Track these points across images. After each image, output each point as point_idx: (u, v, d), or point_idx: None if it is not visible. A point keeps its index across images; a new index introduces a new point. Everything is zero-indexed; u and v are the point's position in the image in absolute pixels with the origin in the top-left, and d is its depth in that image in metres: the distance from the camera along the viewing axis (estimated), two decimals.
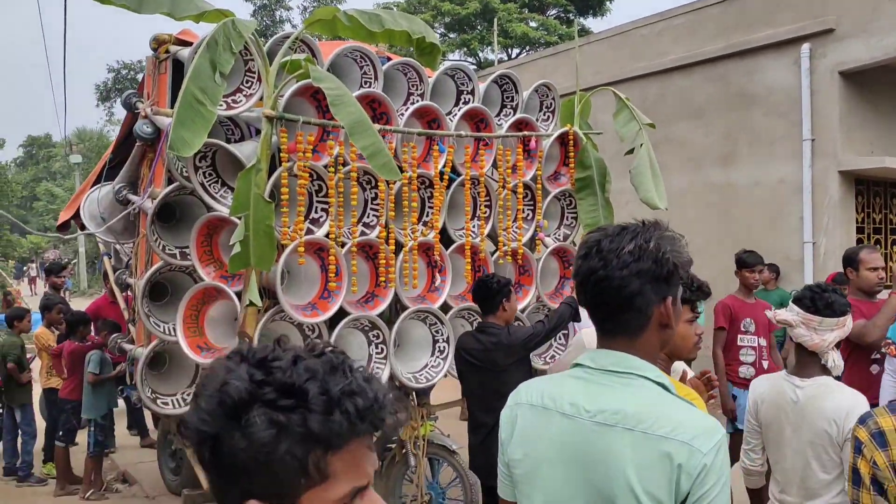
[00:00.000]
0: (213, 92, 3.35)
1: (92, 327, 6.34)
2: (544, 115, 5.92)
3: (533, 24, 27.50)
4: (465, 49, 29.57)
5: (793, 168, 8.33)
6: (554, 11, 29.52)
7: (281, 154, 4.08)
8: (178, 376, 4.82)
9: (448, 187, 4.93)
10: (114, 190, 5.13)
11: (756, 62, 8.73)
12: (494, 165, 5.18)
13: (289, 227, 4.10)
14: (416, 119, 4.89)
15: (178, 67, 4.40)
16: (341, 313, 4.47)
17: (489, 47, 28.06)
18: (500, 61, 21.24)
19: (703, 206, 9.32)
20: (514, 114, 5.61)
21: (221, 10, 3.79)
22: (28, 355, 6.81)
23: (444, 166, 4.84)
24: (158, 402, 4.57)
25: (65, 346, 6.12)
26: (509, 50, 27.76)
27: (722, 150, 9.13)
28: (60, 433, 6.11)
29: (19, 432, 6.44)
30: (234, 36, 3.56)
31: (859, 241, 8.15)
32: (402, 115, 4.75)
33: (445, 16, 29.18)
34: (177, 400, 4.65)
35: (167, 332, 4.46)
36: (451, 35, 29.90)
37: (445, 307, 4.98)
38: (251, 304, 3.83)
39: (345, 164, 4.37)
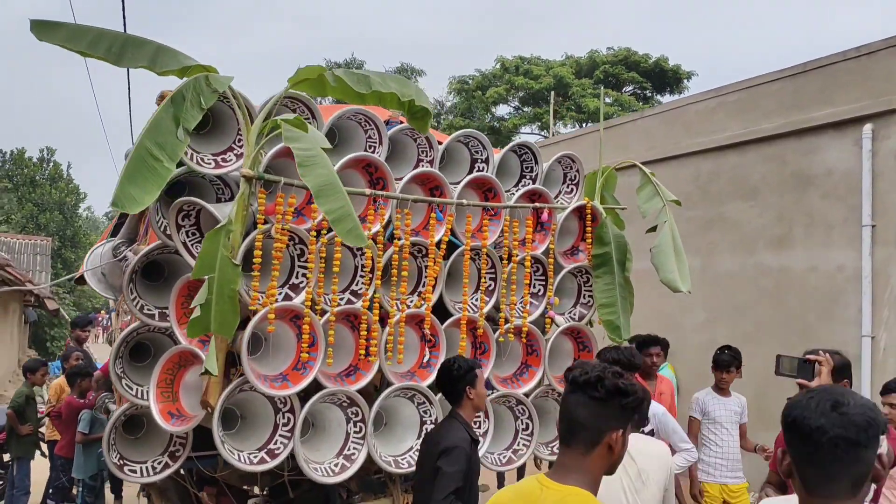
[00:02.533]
0: (172, 148, 3.21)
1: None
2: (568, 187, 5.63)
3: (608, 99, 27.41)
4: (538, 123, 29.67)
5: (851, 255, 7.73)
6: (630, 88, 29.40)
7: (257, 216, 3.89)
8: (153, 443, 4.60)
9: (447, 257, 4.66)
10: (113, 246, 5.05)
11: (814, 142, 8.25)
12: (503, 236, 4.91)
13: (259, 293, 3.88)
14: (418, 185, 4.67)
15: None
16: (321, 387, 4.21)
17: (561, 121, 28.07)
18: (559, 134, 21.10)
19: (754, 290, 8.74)
20: (534, 184, 5.35)
21: (205, 66, 3.68)
22: (41, 408, 6.74)
23: (442, 235, 4.59)
24: (126, 468, 4.34)
25: (65, 400, 6.01)
26: (584, 124, 27.65)
27: (776, 232, 8.59)
28: (50, 491, 5.95)
29: None
30: (205, 91, 3.43)
31: None
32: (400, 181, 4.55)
33: (519, 90, 29.46)
34: (146, 468, 4.41)
35: (139, 395, 4.26)
36: (526, 109, 30.10)
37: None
38: (206, 372, 3.59)
39: (331, 228, 4.16)
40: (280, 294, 4.10)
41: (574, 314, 5.33)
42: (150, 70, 3.58)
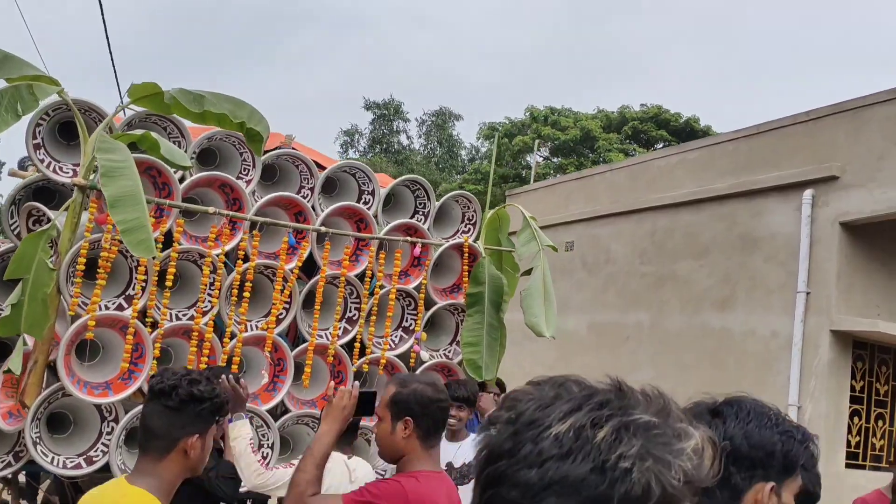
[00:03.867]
0: None
1: None
2: (465, 226, 5.65)
3: (635, 155, 27.44)
4: (563, 173, 29.77)
5: (786, 321, 7.59)
6: (660, 145, 29.38)
7: (87, 225, 3.99)
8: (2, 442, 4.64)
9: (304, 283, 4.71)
10: None
11: (761, 204, 8.17)
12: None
13: (79, 299, 3.95)
14: (283, 210, 4.75)
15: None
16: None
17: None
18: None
19: (698, 350, 8.61)
20: (426, 220, 5.39)
21: (47, 76, 3.83)
22: None
23: (296, 262, 4.64)
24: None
25: None
26: None
27: (721, 293, 8.48)
28: None
29: None
30: (26, 100, 3.56)
31: (855, 411, 7.23)
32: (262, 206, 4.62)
33: (546, 139, 29.64)
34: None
35: None
36: (554, 159, 30.24)
37: (284, 410, 4.67)
38: (9, 371, 3.66)
39: (168, 244, 4.25)
40: (113, 304, 4.18)
41: (449, 352, 5.31)
42: None
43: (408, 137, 41.63)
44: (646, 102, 30.69)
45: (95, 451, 4.14)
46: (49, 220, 4.17)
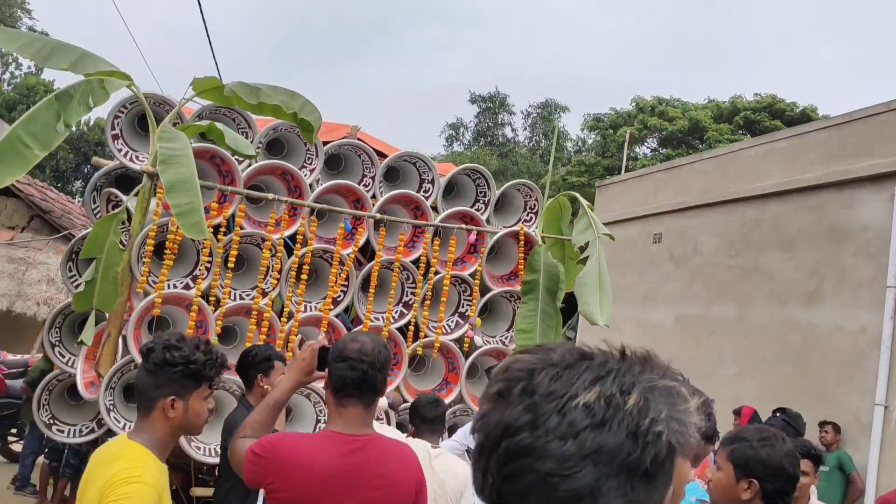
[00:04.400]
0: (47, 138, 3.67)
1: None
2: (527, 215, 5.72)
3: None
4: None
5: (875, 317, 7.23)
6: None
7: (155, 209, 4.31)
8: (87, 410, 5.07)
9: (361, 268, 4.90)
10: None
11: (852, 195, 7.79)
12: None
13: (147, 278, 4.28)
14: (342, 197, 4.95)
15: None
16: None
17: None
18: None
19: (782, 346, 8.31)
20: (486, 209, 5.50)
21: (120, 72, 4.15)
22: None
23: (353, 247, 4.84)
24: (54, 427, 4.82)
25: None
26: None
27: (808, 287, 8.14)
28: (46, 450, 6.63)
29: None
30: (97, 93, 3.88)
31: None
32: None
33: (652, 130, 29.04)
34: (75, 430, 4.88)
35: (70, 364, 4.74)
36: (661, 150, 29.58)
37: None
38: (81, 342, 4.02)
39: (229, 228, 4.52)
40: (181, 283, 4.49)
41: (505, 338, 5.40)
42: (71, 71, 4.09)
43: (513, 130, 41.52)
44: (759, 92, 29.51)
45: None
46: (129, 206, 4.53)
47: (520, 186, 5.70)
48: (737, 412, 6.94)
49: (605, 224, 5.54)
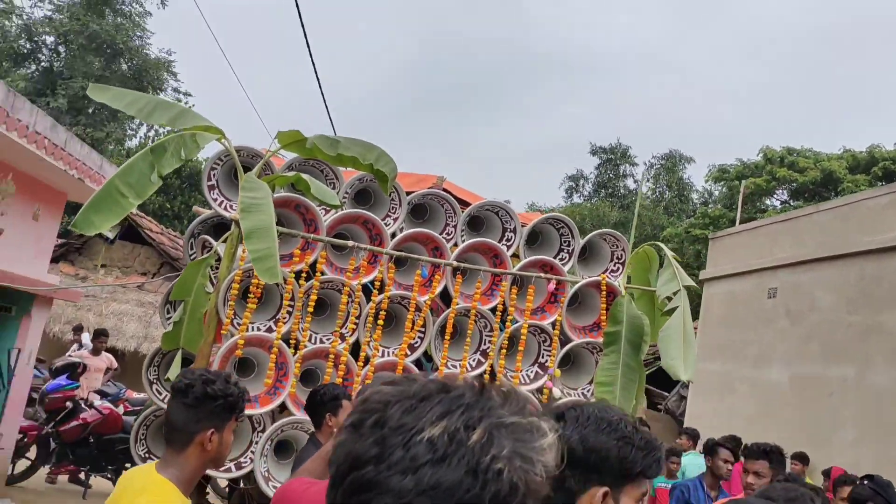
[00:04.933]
0: (142, 188, 3.98)
1: None
2: (614, 265, 5.64)
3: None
4: None
5: None
6: None
7: (241, 255, 4.55)
8: None
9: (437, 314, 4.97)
10: None
11: None
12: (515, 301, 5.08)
13: (232, 320, 4.50)
14: (421, 245, 5.06)
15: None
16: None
17: None
18: None
19: None
20: (570, 258, 5.48)
21: (213, 127, 4.47)
22: None
23: (430, 294, 4.91)
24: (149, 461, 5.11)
25: None
26: None
27: None
28: None
29: None
30: (189, 146, 4.19)
31: None
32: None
33: (781, 182, 27.97)
34: None
35: (165, 400, 5.03)
36: (792, 203, 28.41)
37: None
38: (168, 379, 4.26)
39: (311, 274, 4.70)
40: (264, 326, 4.70)
41: (587, 391, 5.29)
42: (170, 126, 4.44)
43: (635, 181, 40.98)
44: None
45: (245, 457, 4.64)
46: (218, 251, 4.81)
47: (606, 236, 5.64)
48: (826, 473, 6.48)
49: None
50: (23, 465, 7.86)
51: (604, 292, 5.19)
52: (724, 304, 11.35)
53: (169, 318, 5.03)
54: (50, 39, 25.26)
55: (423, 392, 0.82)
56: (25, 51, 24.78)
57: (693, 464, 7.25)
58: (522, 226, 5.47)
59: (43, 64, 25.19)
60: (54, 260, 13.56)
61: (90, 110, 23.88)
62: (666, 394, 13.87)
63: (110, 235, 12.40)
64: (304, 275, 4.70)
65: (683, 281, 5.08)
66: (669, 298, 5.04)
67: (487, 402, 0.81)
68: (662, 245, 5.34)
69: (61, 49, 25.36)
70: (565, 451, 1.08)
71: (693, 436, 8.35)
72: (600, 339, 5.22)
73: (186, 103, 26.37)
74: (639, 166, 41.07)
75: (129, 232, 14.16)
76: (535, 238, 5.61)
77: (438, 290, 4.99)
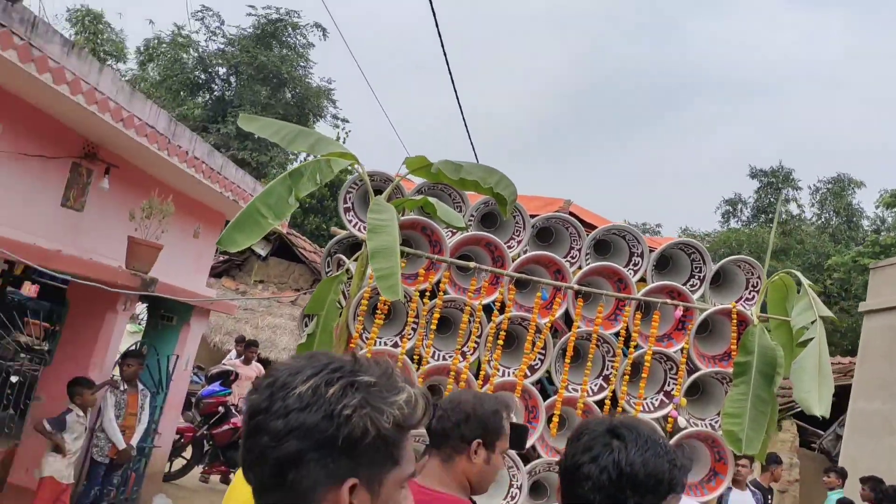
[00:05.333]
0: (280, 209, 4.30)
1: None
2: (749, 293, 5.46)
3: None
4: None
5: None
6: None
7: (371, 273, 4.77)
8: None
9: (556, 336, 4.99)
10: None
11: None
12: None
13: (361, 335, 4.73)
14: (543, 268, 5.12)
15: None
16: None
17: None
18: None
19: None
20: (701, 285, 5.37)
21: (348, 153, 4.76)
22: None
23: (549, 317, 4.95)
24: None
25: None
26: None
27: None
28: None
29: None
30: (324, 170, 4.49)
31: None
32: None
33: None
34: None
35: None
36: None
37: (536, 455, 4.94)
38: None
39: (435, 293, 4.86)
40: (391, 341, 4.90)
41: (715, 422, 5.13)
42: (309, 152, 4.78)
43: (798, 206, 38.96)
44: None
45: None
46: (350, 269, 5.08)
47: (740, 262, 5.45)
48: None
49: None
50: (179, 463, 8.54)
51: (734, 320, 5.03)
52: (887, 339, 10.56)
53: (305, 331, 5.36)
54: (222, 70, 27.36)
55: (309, 362, 1.08)
56: (200, 81, 26.97)
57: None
58: (651, 251, 5.41)
59: (215, 93, 27.31)
60: (217, 275, 14.66)
61: (255, 136, 25.62)
62: (822, 432, 13.03)
63: (262, 253, 13.25)
64: (427, 293, 4.87)
65: (820, 311, 4.84)
66: (806, 329, 4.82)
67: (352, 367, 1.07)
68: (798, 273, 5.10)
69: (232, 79, 27.42)
70: (628, 473, 1.22)
71: (842, 474, 7.98)
72: (731, 370, 5.05)
73: (343, 129, 27.78)
74: (802, 190, 38.99)
75: (285, 250, 15.07)
76: (665, 263, 5.52)
77: (559, 313, 5.01)
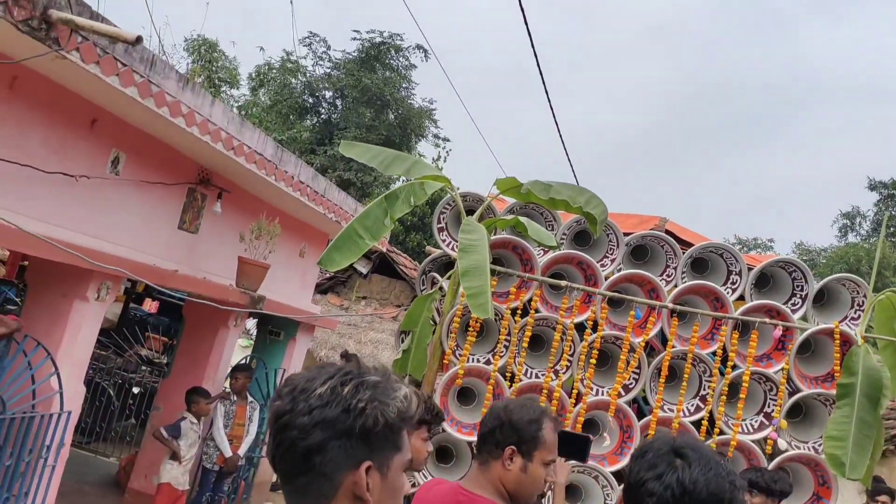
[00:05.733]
0: (376, 230, 4.49)
1: None
2: (855, 312, 5.30)
3: None
4: None
5: None
6: None
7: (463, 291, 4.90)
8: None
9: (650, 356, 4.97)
10: None
11: None
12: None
13: (455, 353, 4.86)
14: (637, 286, 5.11)
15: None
16: None
17: None
18: None
19: None
20: (803, 304, 5.25)
21: (441, 176, 4.92)
22: None
23: (643, 336, 4.93)
24: None
25: None
26: None
27: None
28: None
29: None
30: (417, 193, 4.66)
31: None
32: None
33: None
34: None
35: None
36: None
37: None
38: None
39: (527, 311, 4.94)
40: (483, 358, 5.01)
41: (818, 444, 4.97)
42: (405, 176, 4.97)
43: None
44: None
45: None
46: (443, 287, 5.23)
47: (845, 281, 5.28)
48: None
49: None
50: None
51: (837, 340, 4.87)
52: None
53: (401, 347, 5.54)
54: (329, 94, 28.28)
55: (320, 371, 1.30)
56: (308, 105, 27.95)
57: None
58: (749, 269, 5.32)
59: (322, 116, 28.24)
60: (322, 292, 15.13)
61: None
62: None
63: (363, 271, 13.61)
64: (519, 311, 4.96)
65: None
66: None
67: (359, 371, 1.28)
68: None
69: (338, 102, 28.29)
70: (691, 491, 1.31)
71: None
72: (834, 391, 4.89)
73: (444, 148, 28.17)
74: None
75: (387, 267, 15.41)
76: (765, 282, 5.41)
77: (654, 332, 4.99)
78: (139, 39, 3.87)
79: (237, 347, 9.62)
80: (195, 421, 6.77)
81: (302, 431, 1.21)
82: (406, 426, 1.28)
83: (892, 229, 36.45)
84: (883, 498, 5.93)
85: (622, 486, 2.08)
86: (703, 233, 6.18)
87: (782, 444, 4.87)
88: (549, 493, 4.10)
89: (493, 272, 4.67)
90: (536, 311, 4.94)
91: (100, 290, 5.25)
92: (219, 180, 6.29)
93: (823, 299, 5.39)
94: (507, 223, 5.01)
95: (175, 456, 6.67)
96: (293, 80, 27.96)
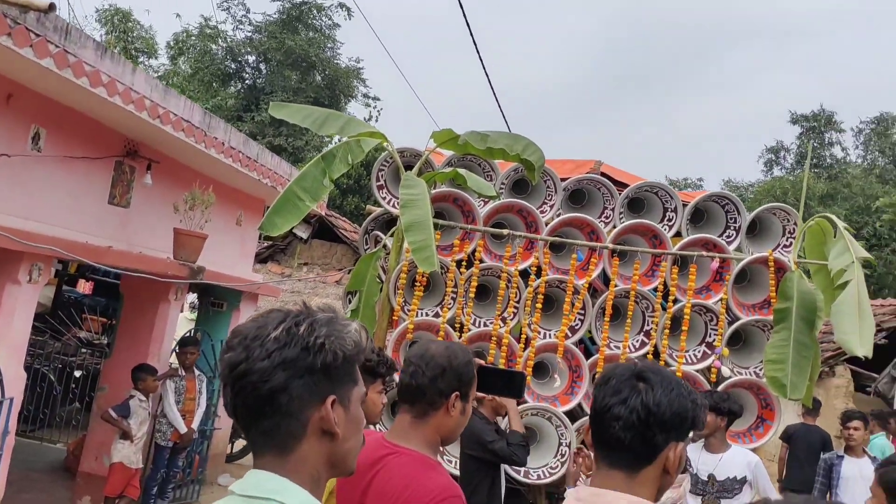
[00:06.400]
0: (315, 191, 4.43)
1: None
2: (787, 240, 5.47)
3: None
4: None
5: None
6: None
7: (407, 247, 4.90)
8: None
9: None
10: None
11: None
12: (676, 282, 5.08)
13: (404, 308, 4.87)
14: (577, 230, 5.18)
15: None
16: None
17: None
18: None
19: None
20: (737, 236, 5.39)
21: (377, 132, 4.86)
22: None
23: (587, 277, 5.02)
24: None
25: None
26: None
27: None
28: None
29: None
30: (354, 151, 4.60)
31: None
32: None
33: None
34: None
35: None
36: None
37: (582, 413, 5.04)
38: None
39: (471, 262, 4.97)
40: (432, 312, 5.04)
41: (759, 369, 5.17)
42: (340, 135, 4.89)
43: (843, 150, 38.04)
44: None
45: None
46: (387, 245, 5.21)
47: (776, 210, 5.46)
48: None
49: None
50: (240, 444, 8.83)
51: (772, 268, 5.05)
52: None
53: (348, 308, 5.53)
54: (252, 59, 27.53)
55: (267, 317, 1.29)
56: (231, 71, 27.17)
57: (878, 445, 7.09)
58: (684, 205, 5.44)
59: (247, 82, 27.51)
60: (263, 261, 14.92)
61: (290, 122, 25.78)
62: (876, 375, 12.87)
63: (304, 236, 13.46)
64: (464, 263, 4.98)
65: (857, 253, 4.83)
66: (844, 271, 4.81)
67: (308, 311, 1.28)
68: (834, 217, 5.08)
69: (262, 66, 27.58)
70: (655, 413, 1.34)
71: (878, 416, 8.02)
72: (771, 317, 5.08)
73: (375, 108, 27.82)
74: (846, 132, 38.01)
75: (326, 231, 15.27)
76: (700, 217, 5.54)
77: (595, 273, 5.09)
78: (52, 6, 3.69)
79: (182, 321, 9.45)
80: (144, 398, 6.66)
81: (263, 375, 1.21)
82: (359, 360, 1.29)
83: (815, 161, 37.61)
84: (855, 423, 6.08)
85: (584, 418, 2.10)
86: (637, 175, 6.27)
87: (726, 371, 5.04)
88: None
89: (435, 226, 4.67)
90: (481, 261, 4.98)
91: (31, 271, 5.07)
92: (147, 151, 6.09)
93: (756, 230, 5.55)
94: (446, 176, 5.00)
95: (126, 435, 6.55)
96: (213, 47, 27.10)
